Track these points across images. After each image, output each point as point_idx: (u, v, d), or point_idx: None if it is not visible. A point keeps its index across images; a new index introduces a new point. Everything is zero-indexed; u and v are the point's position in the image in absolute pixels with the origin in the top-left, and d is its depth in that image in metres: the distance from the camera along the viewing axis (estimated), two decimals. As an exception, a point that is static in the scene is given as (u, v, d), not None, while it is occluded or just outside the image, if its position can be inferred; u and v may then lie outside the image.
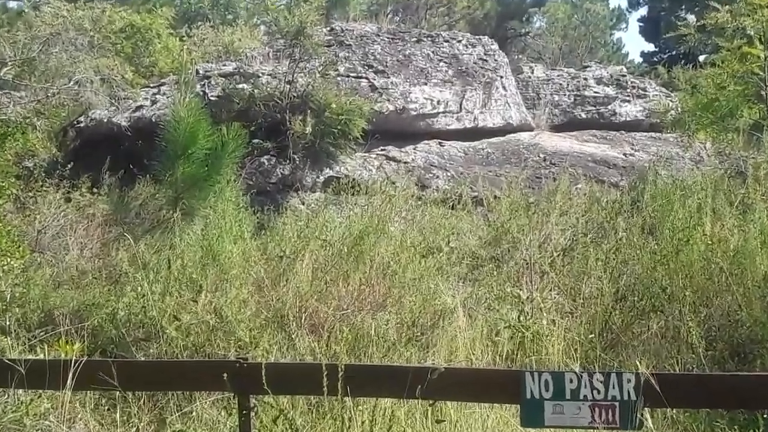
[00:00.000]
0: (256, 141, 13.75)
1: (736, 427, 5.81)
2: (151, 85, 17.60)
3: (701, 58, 24.19)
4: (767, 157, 11.01)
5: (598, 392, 5.32)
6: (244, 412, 5.94)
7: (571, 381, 5.37)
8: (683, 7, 38.46)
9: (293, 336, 8.19)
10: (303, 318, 8.51)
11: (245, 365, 5.91)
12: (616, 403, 5.30)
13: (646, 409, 5.32)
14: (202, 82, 15.57)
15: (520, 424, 5.73)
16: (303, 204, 13.40)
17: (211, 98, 15.01)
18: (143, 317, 8.51)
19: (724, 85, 13.19)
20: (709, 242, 9.30)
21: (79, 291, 9.51)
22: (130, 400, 7.05)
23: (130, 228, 10.90)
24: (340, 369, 5.56)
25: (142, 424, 6.84)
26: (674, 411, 6.68)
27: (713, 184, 10.83)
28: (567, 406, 5.39)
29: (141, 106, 15.94)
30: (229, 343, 8.03)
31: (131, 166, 12.55)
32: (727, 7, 12.80)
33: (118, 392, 6.78)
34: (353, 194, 12.24)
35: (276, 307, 8.68)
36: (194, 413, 6.98)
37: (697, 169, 13.29)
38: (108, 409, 7.20)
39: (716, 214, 10.01)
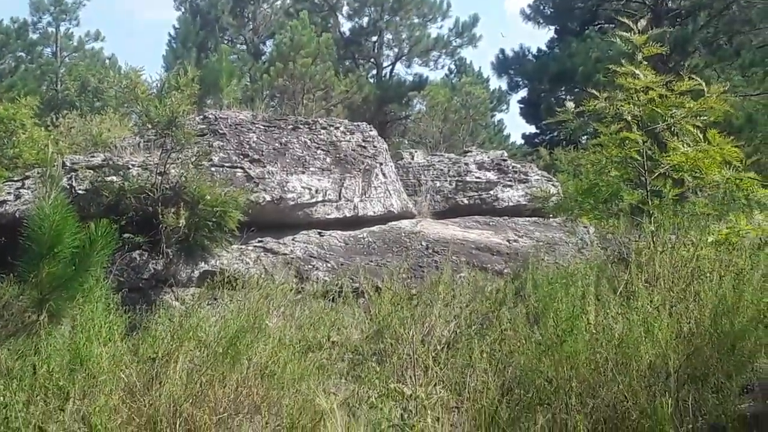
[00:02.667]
0: (126, 236, 13.32)
1: None
2: (15, 178, 17.02)
3: (583, 139, 24.72)
4: (648, 242, 11.05)
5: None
6: None
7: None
8: (563, 89, 39.42)
9: (167, 446, 7.85)
10: (177, 424, 8.17)
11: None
12: None
13: None
14: (69, 175, 15.13)
15: None
16: (177, 300, 13.04)
17: (79, 192, 14.61)
18: (5, 429, 8.05)
19: (604, 170, 13.33)
20: (594, 331, 9.24)
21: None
22: None
23: (-9, 332, 10.40)
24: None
25: None
26: None
27: (597, 270, 10.82)
28: None
29: (4, 201, 15.39)
30: (98, 454, 7.62)
31: (-8, 264, 12.05)
32: (605, 94, 12.97)
33: None
34: (229, 289, 11.93)
35: (149, 413, 8.31)
36: None
37: (581, 254, 13.32)
38: None
39: (600, 302, 9.96)
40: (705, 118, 12.84)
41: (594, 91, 13.27)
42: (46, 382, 8.71)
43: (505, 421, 8.50)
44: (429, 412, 8.19)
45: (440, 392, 9.07)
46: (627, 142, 12.84)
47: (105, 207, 13.80)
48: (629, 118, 12.86)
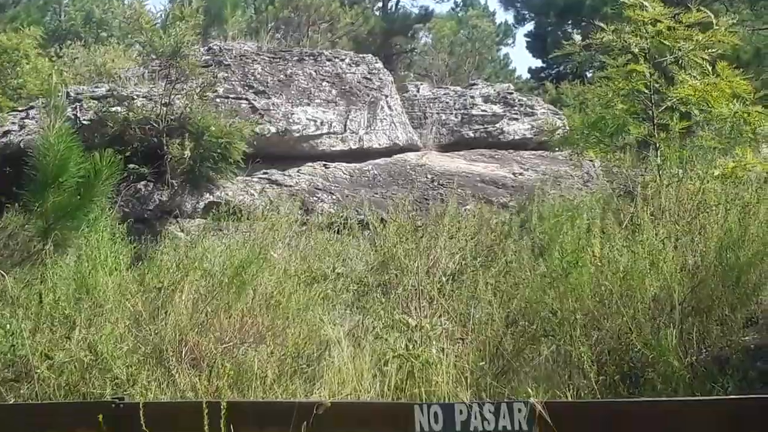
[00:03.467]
0: (131, 166, 13.33)
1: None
2: (19, 108, 16.97)
3: (589, 74, 24.50)
4: (654, 176, 11.00)
5: (489, 423, 5.20)
6: (122, 455, 5.65)
7: (461, 412, 5.25)
8: (569, 22, 38.89)
9: (173, 371, 7.87)
10: (183, 352, 8.19)
11: (121, 405, 5.67)
12: (507, 435, 5.14)
13: (538, 438, 5.19)
14: (74, 106, 15.07)
15: (411, 459, 5.56)
16: (182, 231, 13.03)
17: (84, 122, 14.57)
18: (12, 356, 8.09)
19: (610, 103, 13.23)
20: (599, 264, 9.23)
21: (-62, 330, 9.00)
22: (-1, 446, 6.66)
23: (-2, 261, 10.43)
24: (222, 407, 5.32)
25: (11, 472, 6.44)
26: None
27: (602, 203, 10.79)
28: (458, 438, 5.21)
29: (8, 131, 15.36)
30: (105, 381, 7.66)
31: (-1, 195, 12.06)
32: (612, 26, 12.83)
33: (-15, 439, 6.50)
34: (235, 220, 11.92)
35: (154, 341, 8.33)
36: (69, 457, 6.59)
37: (586, 188, 13.30)
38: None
39: (605, 235, 9.94)
40: (713, 51, 12.73)
41: (601, 24, 13.14)
42: (52, 311, 8.75)
43: (509, 353, 8.53)
44: (434, 342, 8.21)
45: (445, 323, 9.08)
46: (634, 74, 12.73)
47: (109, 138, 13.78)
48: (636, 50, 12.76)
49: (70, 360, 7.87)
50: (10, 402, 7.52)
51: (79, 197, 10.16)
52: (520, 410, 5.18)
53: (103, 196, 10.57)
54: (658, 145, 12.14)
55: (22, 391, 7.77)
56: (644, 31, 12.65)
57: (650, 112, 12.78)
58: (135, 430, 5.53)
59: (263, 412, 5.82)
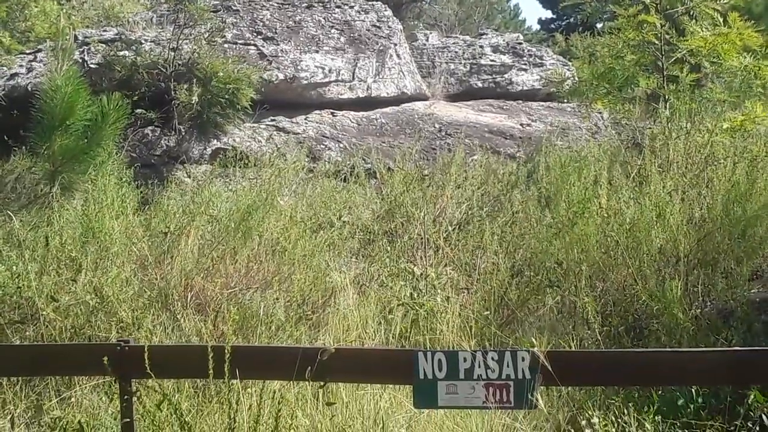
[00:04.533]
0: (139, 111, 13.27)
1: (630, 404, 5.66)
2: (27, 51, 16.89)
3: (599, 26, 24.31)
4: (663, 128, 10.96)
5: (493, 371, 5.21)
6: (126, 397, 5.69)
7: (465, 360, 5.25)
8: (581, -28, 38.43)
9: (178, 316, 7.90)
10: (188, 297, 8.22)
11: (127, 348, 5.68)
12: (511, 382, 5.20)
13: (540, 387, 5.20)
14: (81, 49, 15.00)
15: (413, 406, 5.60)
16: (189, 177, 13.02)
17: (91, 66, 14.50)
18: (18, 298, 8.11)
19: (620, 54, 13.16)
20: (605, 215, 9.23)
21: (-56, 271, 9.03)
22: (5, 386, 6.79)
23: (4, 203, 10.41)
24: (226, 351, 5.35)
25: (18, 411, 6.50)
26: (569, 389, 6.59)
27: (610, 155, 10.76)
28: (461, 385, 5.27)
29: (16, 74, 15.29)
30: (110, 324, 7.68)
31: (6, 138, 12.02)
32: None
33: (-9, 378, 6.55)
34: (241, 167, 11.90)
35: (160, 286, 8.36)
36: (73, 399, 6.68)
37: (594, 139, 13.24)
38: (-20, 397, 6.82)
39: (612, 187, 9.94)
40: (725, 2, 12.64)
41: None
42: (58, 254, 8.76)
43: (514, 303, 8.56)
44: (439, 291, 8.22)
45: (450, 273, 9.10)
46: (645, 25, 12.66)
47: (117, 82, 13.73)
48: (648, 0, 12.67)
49: (75, 303, 7.89)
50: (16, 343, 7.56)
51: (86, 140, 10.14)
52: (523, 359, 5.19)
53: (111, 140, 10.53)
54: (667, 97, 12.08)
55: (27, 333, 7.81)
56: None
57: (660, 64, 12.72)
58: (140, 373, 5.56)
59: (268, 357, 5.84)
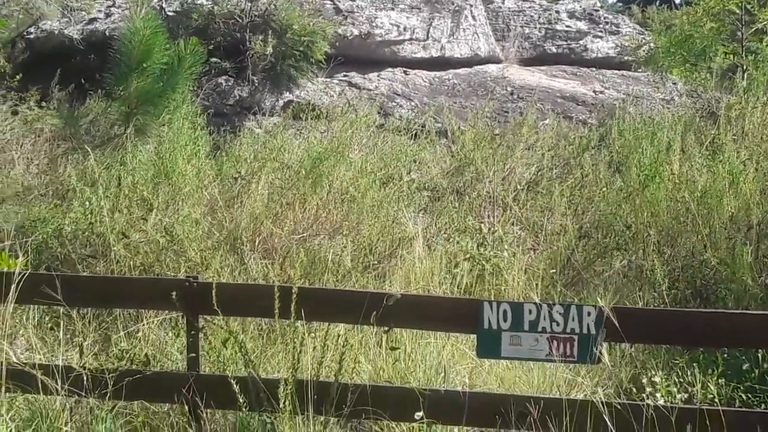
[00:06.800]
0: (214, 60, 13.37)
1: (695, 365, 5.62)
2: (106, -3, 17.05)
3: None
4: (740, 98, 10.82)
5: (557, 324, 5.22)
6: (193, 332, 5.79)
7: (530, 312, 5.26)
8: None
9: (246, 259, 7.98)
10: (257, 241, 8.31)
11: (195, 284, 5.74)
12: (575, 336, 5.21)
13: (604, 344, 5.18)
14: (159, -4, 15.13)
15: (477, 355, 5.64)
16: (260, 127, 13.07)
17: (169, 13, 14.58)
18: (90, 234, 8.27)
19: (699, 22, 12.98)
20: (677, 181, 9.17)
21: (23, 207, 9.17)
22: (75, 317, 6.83)
23: (79, 144, 10.55)
24: (293, 292, 5.40)
25: (86, 342, 6.57)
26: (633, 348, 6.59)
27: (684, 123, 10.65)
28: (525, 337, 5.29)
29: (95, 19, 15.41)
30: (179, 263, 7.79)
31: (83, 81, 12.18)
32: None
33: (61, 309, 6.64)
34: (313, 119, 11.94)
35: (229, 228, 8.45)
36: (141, 333, 6.75)
37: (667, 109, 13.08)
38: (51, 327, 6.97)
39: (685, 154, 9.86)
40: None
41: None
42: (130, 194, 8.88)
43: (580, 264, 8.53)
44: (506, 248, 8.21)
45: (517, 232, 9.09)
46: (726, -6, 12.50)
47: (193, 30, 13.78)
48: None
49: (146, 241, 8.00)
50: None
51: (161, 84, 10.22)
52: (589, 314, 5.18)
53: (186, 85, 10.62)
54: (745, 67, 11.91)
55: (98, 269, 7.94)
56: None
57: (740, 34, 12.53)
58: (206, 309, 5.63)
59: (334, 300, 5.87)
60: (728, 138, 9.95)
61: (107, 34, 13.82)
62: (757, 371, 5.98)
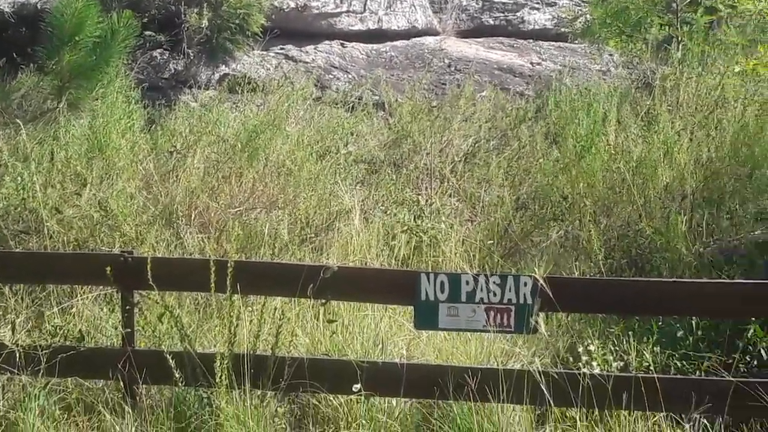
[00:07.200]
0: (148, 33, 13.14)
1: (630, 333, 5.68)
2: (37, -31, 16.74)
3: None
4: (674, 69, 10.90)
5: (494, 295, 5.28)
6: (128, 308, 5.78)
7: (467, 283, 5.32)
8: None
9: (182, 233, 7.93)
10: (193, 215, 8.25)
11: (130, 259, 5.73)
12: (512, 307, 5.27)
13: (541, 314, 5.21)
14: (93, -33, 14.85)
15: (414, 327, 5.67)
16: (196, 101, 12.93)
17: (102, -15, 14.37)
18: (23, 210, 8.14)
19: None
20: (613, 152, 9.24)
21: (-50, 182, 9.02)
22: (7, 294, 6.83)
23: (11, 118, 10.36)
24: (229, 265, 5.39)
25: (19, 319, 6.52)
26: (569, 318, 6.64)
27: (619, 94, 10.72)
28: (462, 308, 5.35)
29: (25, -8, 15.17)
30: (113, 238, 7.71)
31: (14, 55, 11.95)
32: None
33: (-7, 285, 6.58)
34: (249, 92, 11.83)
35: (164, 202, 8.37)
36: (75, 309, 6.73)
37: (603, 80, 13.14)
38: (-19, 304, 6.85)
39: (621, 125, 9.94)
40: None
41: None
42: (63, 168, 8.76)
43: (517, 234, 8.57)
44: (443, 220, 8.23)
45: (455, 203, 9.11)
46: (661, -35, 12.56)
47: (127, 3, 13.45)
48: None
49: (79, 216, 7.90)
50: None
51: (94, 58, 10.04)
52: (525, 284, 5.24)
53: (119, 59, 10.45)
54: (680, 38, 12.00)
55: (30, 245, 7.82)
56: None
57: (674, 5, 12.61)
58: (142, 284, 5.61)
59: (270, 273, 5.87)
60: (663, 109, 10.03)
61: (39, 7, 13.53)
62: (691, 338, 6.04)
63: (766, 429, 5.31)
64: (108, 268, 5.57)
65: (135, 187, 8.50)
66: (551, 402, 5.11)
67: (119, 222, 7.77)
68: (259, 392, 5.47)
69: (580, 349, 5.53)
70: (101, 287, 6.62)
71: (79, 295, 6.79)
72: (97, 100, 9.99)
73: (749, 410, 5.09)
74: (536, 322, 5.22)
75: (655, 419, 5.18)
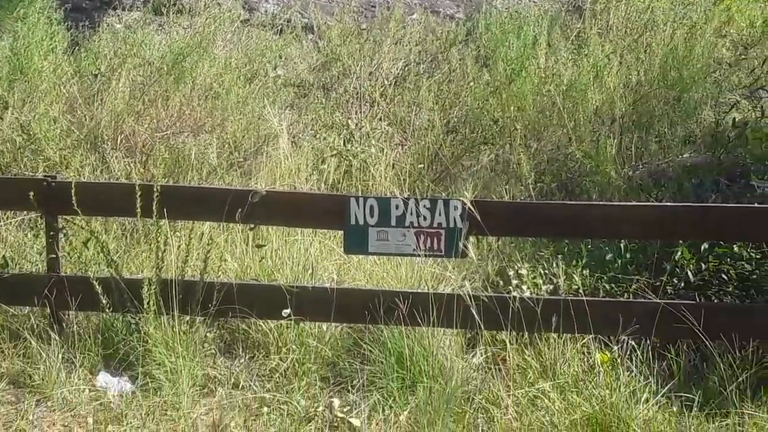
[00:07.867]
0: (70, -48, 12.84)
1: (560, 256, 5.69)
2: None
3: None
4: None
5: (424, 219, 5.27)
6: (52, 233, 5.65)
7: (397, 207, 5.29)
8: None
9: (107, 157, 7.77)
10: (118, 139, 8.09)
11: (54, 183, 5.58)
12: (442, 231, 5.26)
13: (471, 238, 5.20)
14: None
15: (344, 251, 5.61)
16: (121, 23, 12.66)
17: None
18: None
19: None
20: (543, 75, 9.24)
21: None
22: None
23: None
24: (155, 190, 5.28)
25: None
26: (499, 242, 6.64)
27: (550, 17, 10.68)
28: (392, 232, 5.32)
29: None
30: (37, 162, 7.57)
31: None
32: None
33: None
34: (175, 14, 11.58)
35: (89, 126, 8.19)
36: (-2, 235, 6.56)
37: (533, 3, 13.10)
38: None
39: (551, 48, 9.92)
40: None
41: None
42: (-16, 92, 8.55)
43: (448, 159, 8.54)
44: (373, 144, 8.17)
45: (385, 128, 9.04)
46: None
47: None
48: None
49: (1, 140, 7.74)
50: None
51: (14, -23, 9.81)
52: (455, 208, 5.20)
53: (41, -22, 10.20)
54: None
55: (-49, 171, 7.65)
56: None
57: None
58: (66, 209, 5.49)
59: (198, 197, 5.72)
60: (593, 32, 10.04)
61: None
62: (619, 261, 6.09)
63: (693, 349, 5.38)
64: (31, 193, 5.43)
65: (59, 110, 8.31)
66: (481, 325, 5.11)
67: (43, 146, 7.61)
68: (187, 318, 5.42)
69: (511, 273, 5.55)
70: (25, 212, 6.49)
71: (2, 221, 6.66)
72: (17, 20, 9.72)
73: (676, 331, 5.14)
74: (466, 246, 5.20)
75: (584, 341, 5.20)
